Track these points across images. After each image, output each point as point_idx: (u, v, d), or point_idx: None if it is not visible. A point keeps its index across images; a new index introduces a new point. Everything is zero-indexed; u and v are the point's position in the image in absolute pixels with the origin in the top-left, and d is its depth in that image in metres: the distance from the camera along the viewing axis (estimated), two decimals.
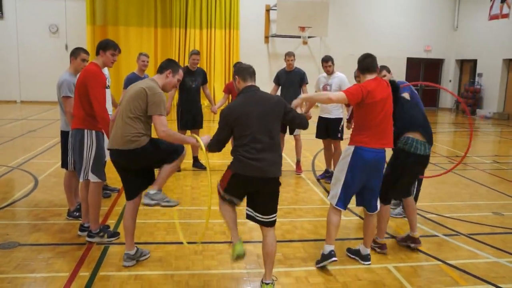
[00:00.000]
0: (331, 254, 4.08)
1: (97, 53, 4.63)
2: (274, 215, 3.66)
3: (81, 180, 4.65)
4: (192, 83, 7.50)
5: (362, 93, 3.94)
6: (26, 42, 17.61)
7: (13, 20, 17.51)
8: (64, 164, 5.23)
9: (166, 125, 3.80)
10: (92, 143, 4.53)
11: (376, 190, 4.18)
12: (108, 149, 3.97)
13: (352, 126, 4.27)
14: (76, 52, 5.10)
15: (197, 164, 7.90)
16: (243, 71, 3.67)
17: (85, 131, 4.51)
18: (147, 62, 6.92)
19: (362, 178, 4.05)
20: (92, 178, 4.54)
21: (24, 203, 5.82)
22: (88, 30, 17.30)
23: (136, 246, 4.17)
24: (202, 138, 3.84)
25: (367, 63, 4.13)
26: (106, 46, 4.59)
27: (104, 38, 4.94)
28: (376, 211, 4.25)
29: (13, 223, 5.14)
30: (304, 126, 3.87)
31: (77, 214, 5.19)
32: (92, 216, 4.56)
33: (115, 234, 4.73)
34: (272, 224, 3.67)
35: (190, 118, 7.59)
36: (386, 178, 4.35)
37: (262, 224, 3.67)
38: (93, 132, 4.53)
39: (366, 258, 4.31)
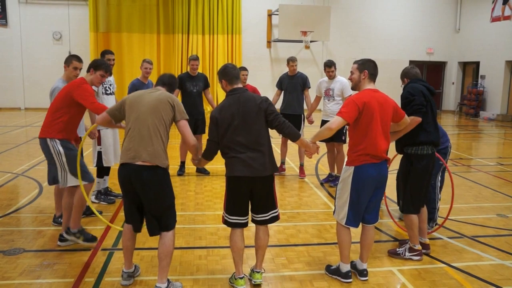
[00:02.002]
0: (348, 275, 4.01)
1: (88, 70, 4.70)
2: (266, 214, 3.77)
3: (61, 186, 4.60)
4: (193, 87, 7.55)
5: (358, 107, 3.76)
6: (30, 49, 17.74)
7: (17, 28, 17.65)
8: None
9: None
10: (59, 150, 4.47)
11: (378, 204, 4.04)
12: (124, 164, 3.65)
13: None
14: (69, 60, 5.10)
15: (200, 170, 7.92)
16: (228, 75, 3.74)
17: (47, 139, 4.50)
18: (150, 69, 6.92)
19: (369, 194, 3.90)
20: (75, 182, 4.50)
21: (29, 210, 5.85)
22: (91, 37, 17.41)
23: (168, 279, 3.75)
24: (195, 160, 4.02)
25: (375, 69, 3.98)
26: (98, 67, 4.63)
27: (104, 49, 5.02)
28: (376, 223, 4.10)
29: (18, 229, 5.17)
30: (292, 137, 3.76)
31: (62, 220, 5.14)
32: (75, 216, 4.51)
33: (93, 239, 4.69)
34: (265, 223, 3.80)
35: (191, 123, 7.60)
36: (412, 187, 4.39)
37: (257, 223, 3.81)
38: (56, 140, 4.49)
39: (362, 273, 4.08)
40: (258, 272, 3.91)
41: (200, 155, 3.94)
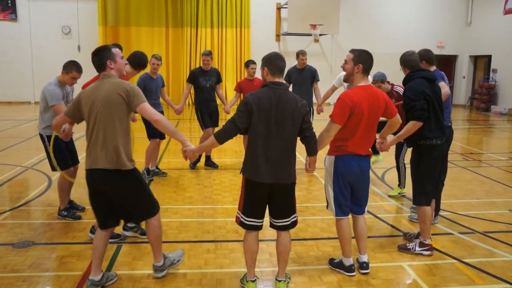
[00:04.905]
0: (351, 269, 3.99)
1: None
2: (287, 219, 3.60)
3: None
4: (206, 82, 7.57)
5: (350, 107, 3.68)
6: (39, 43, 17.80)
7: (27, 23, 17.71)
8: (53, 168, 5.20)
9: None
10: None
11: (365, 195, 4.02)
12: (88, 170, 3.55)
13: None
14: (69, 68, 4.97)
15: (209, 163, 7.91)
16: (273, 64, 3.46)
17: None
18: (158, 65, 6.89)
19: (350, 183, 3.90)
20: None
21: (38, 203, 5.87)
22: (100, 31, 17.44)
23: (102, 270, 3.77)
24: (189, 147, 3.64)
25: (370, 63, 3.80)
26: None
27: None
28: (364, 214, 4.08)
29: (27, 222, 5.19)
30: (311, 152, 3.64)
31: (65, 213, 5.21)
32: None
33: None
34: (285, 228, 3.63)
35: (206, 117, 7.67)
36: (423, 178, 4.35)
37: (277, 228, 3.64)
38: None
39: (362, 266, 4.05)
40: (280, 281, 3.70)
41: (181, 136, 3.61)
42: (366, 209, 4.09)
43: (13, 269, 4.00)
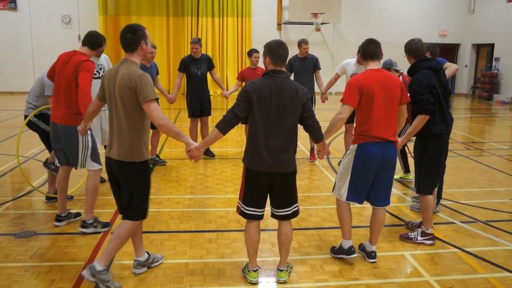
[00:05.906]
0: (351, 251, 3.99)
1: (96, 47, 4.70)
2: (288, 209, 3.59)
3: (79, 168, 4.60)
4: (197, 70, 7.51)
5: (359, 89, 3.73)
6: (40, 33, 17.70)
7: (27, 12, 17.60)
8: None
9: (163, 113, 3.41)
10: (87, 137, 4.47)
11: (386, 186, 3.94)
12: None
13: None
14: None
15: (207, 152, 7.87)
16: (274, 54, 3.42)
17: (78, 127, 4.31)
18: (151, 53, 6.77)
19: (372, 172, 3.84)
20: (92, 166, 4.55)
21: (39, 193, 5.85)
22: (100, 21, 17.35)
23: (147, 252, 3.90)
24: (193, 145, 3.55)
25: (370, 49, 3.89)
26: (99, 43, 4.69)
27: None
28: (386, 206, 4.03)
29: (29, 212, 5.19)
30: (316, 139, 3.64)
31: (53, 167, 5.28)
32: (89, 205, 4.56)
33: (107, 224, 4.69)
34: (286, 218, 3.62)
35: (198, 106, 7.63)
36: (426, 167, 4.35)
37: (278, 218, 3.64)
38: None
39: (370, 255, 4.08)
40: (282, 271, 3.71)
41: (183, 137, 3.47)
42: (389, 202, 4.01)
43: (15, 259, 4.00)
